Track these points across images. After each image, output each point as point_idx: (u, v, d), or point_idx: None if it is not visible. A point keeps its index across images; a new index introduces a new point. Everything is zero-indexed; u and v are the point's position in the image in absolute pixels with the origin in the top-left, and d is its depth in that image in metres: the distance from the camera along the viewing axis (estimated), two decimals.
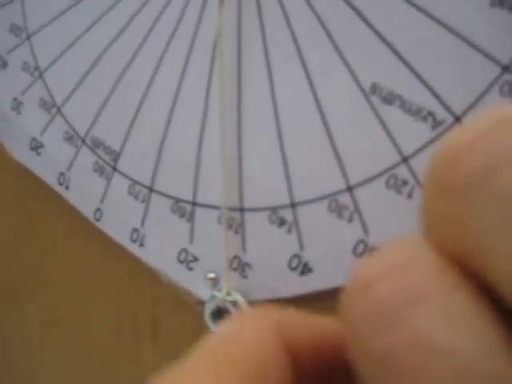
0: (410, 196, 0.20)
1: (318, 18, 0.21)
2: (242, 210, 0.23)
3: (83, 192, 0.26)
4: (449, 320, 0.11)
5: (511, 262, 0.10)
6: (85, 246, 0.27)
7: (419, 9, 0.20)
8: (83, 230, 0.26)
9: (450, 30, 0.19)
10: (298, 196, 0.22)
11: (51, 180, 0.27)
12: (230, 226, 0.23)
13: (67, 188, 0.26)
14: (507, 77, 0.19)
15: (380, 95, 0.20)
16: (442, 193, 0.12)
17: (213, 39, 0.23)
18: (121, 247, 0.25)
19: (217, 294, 0.23)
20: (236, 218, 0.23)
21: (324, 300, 0.22)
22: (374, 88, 0.21)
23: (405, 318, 0.11)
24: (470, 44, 0.19)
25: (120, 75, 0.25)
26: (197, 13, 0.23)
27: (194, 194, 0.24)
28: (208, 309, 0.23)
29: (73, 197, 0.26)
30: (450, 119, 0.20)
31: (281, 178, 0.22)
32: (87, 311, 0.27)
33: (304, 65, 0.21)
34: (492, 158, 0.11)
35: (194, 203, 0.24)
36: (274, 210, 0.22)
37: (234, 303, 0.23)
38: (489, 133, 0.11)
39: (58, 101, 0.26)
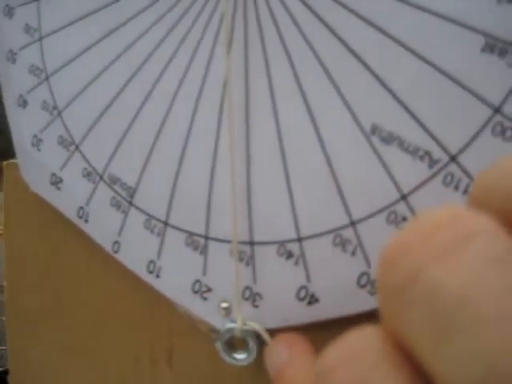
0: None
1: (318, 57, 0.22)
2: (252, 243, 0.24)
3: (101, 225, 0.27)
4: None
5: (433, 349, 0.11)
6: (105, 276, 0.28)
7: (413, 52, 0.21)
8: (103, 261, 0.27)
9: (443, 72, 0.20)
10: (304, 231, 0.23)
11: (71, 213, 0.28)
12: (241, 259, 0.24)
13: (86, 221, 0.28)
14: (498, 118, 0.20)
15: (380, 135, 0.22)
16: (383, 290, 0.14)
17: (222, 80, 0.24)
18: (138, 277, 0.27)
19: (232, 324, 0.24)
20: (246, 251, 0.24)
21: (330, 328, 0.23)
22: (374, 129, 0.22)
23: None
24: (463, 86, 0.20)
25: (135, 114, 0.26)
26: (206, 56, 0.24)
27: (207, 228, 0.25)
28: (222, 339, 0.25)
29: (92, 230, 0.28)
30: (445, 158, 0.21)
31: (288, 213, 0.23)
32: (106, 338, 0.29)
33: (306, 103, 0.23)
34: (419, 261, 0.12)
35: (206, 237, 0.25)
36: (281, 243, 0.23)
37: (249, 332, 0.24)
38: (421, 237, 0.13)
39: (76, 139, 0.28)
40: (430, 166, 0.21)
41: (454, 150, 0.21)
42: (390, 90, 0.21)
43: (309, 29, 0.23)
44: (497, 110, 0.20)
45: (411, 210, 0.21)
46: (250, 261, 0.24)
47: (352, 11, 0.22)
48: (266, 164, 0.24)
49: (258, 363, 0.25)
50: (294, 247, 0.23)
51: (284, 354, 0.23)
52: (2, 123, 0.31)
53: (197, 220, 0.25)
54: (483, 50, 0.20)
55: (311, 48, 0.23)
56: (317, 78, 0.22)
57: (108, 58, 0.27)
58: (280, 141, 0.23)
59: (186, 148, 0.25)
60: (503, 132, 0.20)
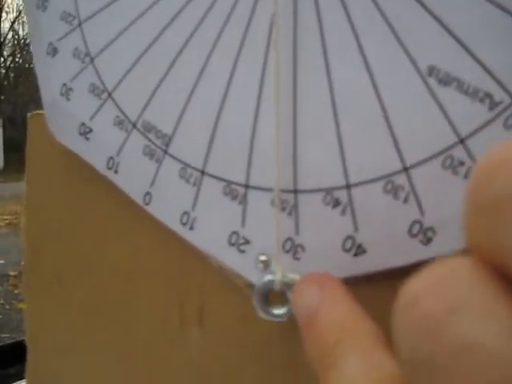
0: (466, 177, 0.20)
1: (375, 2, 0.22)
2: (295, 191, 0.23)
3: (132, 176, 0.26)
4: (486, 323, 0.12)
5: None
6: (133, 230, 0.27)
7: None
8: (132, 215, 0.27)
9: (506, 10, 0.20)
10: (353, 177, 0.22)
11: (100, 164, 0.27)
12: (283, 209, 0.23)
13: (116, 172, 0.27)
14: None
15: (437, 77, 0.21)
16: (476, 209, 0.13)
17: (268, 24, 0.23)
18: (169, 231, 0.26)
19: (270, 276, 0.23)
20: (289, 200, 0.23)
21: (378, 282, 0.22)
22: (431, 70, 0.21)
23: (444, 326, 0.12)
24: None
25: (172, 61, 0.25)
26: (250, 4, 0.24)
27: (247, 177, 0.24)
28: (260, 292, 0.24)
29: (122, 181, 0.27)
30: (507, 100, 0.20)
31: (336, 159, 0.22)
32: (134, 296, 0.28)
33: (361, 48, 0.22)
34: None
35: (246, 186, 0.24)
36: (328, 191, 0.23)
37: (289, 286, 0.23)
38: None
39: (109, 86, 0.27)
40: (491, 109, 0.20)
41: None
42: (448, 30, 0.21)
43: None
44: None
45: (469, 154, 0.20)
46: (292, 210, 0.23)
47: None
48: (314, 108, 0.23)
49: (291, 323, 0.24)
50: (342, 195, 0.22)
51: (315, 297, 0.21)
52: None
53: (237, 168, 0.24)
54: None
55: None
56: (371, 21, 0.22)
57: (145, 2, 0.26)
58: (330, 86, 0.22)
59: (227, 93, 0.24)
60: None
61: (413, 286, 0.13)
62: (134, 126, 0.26)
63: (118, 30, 0.27)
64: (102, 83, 0.27)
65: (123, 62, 0.26)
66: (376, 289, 0.23)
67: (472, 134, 0.20)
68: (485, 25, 0.20)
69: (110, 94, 0.27)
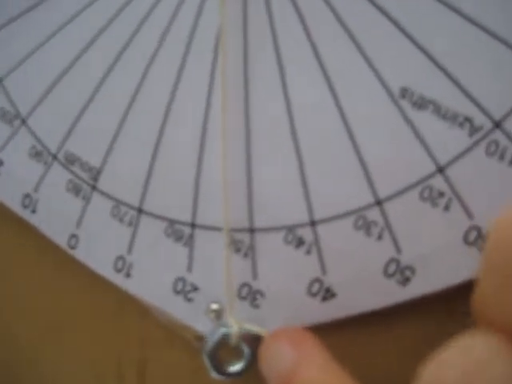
0: (446, 208, 0.18)
1: (336, 14, 0.19)
2: (251, 230, 0.20)
3: (54, 216, 0.23)
4: None
5: None
6: (58, 276, 0.23)
7: (449, 7, 0.18)
8: (55, 260, 0.23)
9: (485, 29, 0.18)
10: (319, 213, 0.20)
11: (14, 203, 0.23)
12: (237, 250, 0.20)
13: (33, 211, 0.23)
14: None
15: (411, 100, 0.19)
16: (500, 280, 0.12)
17: (214, 37, 0.21)
18: (102, 278, 0.22)
19: (224, 329, 0.20)
20: (245, 240, 0.20)
21: (348, 327, 0.20)
22: (404, 92, 0.19)
23: None
24: (508, 45, 0.18)
25: (100, 81, 0.22)
26: (194, 10, 0.21)
27: (194, 215, 0.21)
28: (210, 348, 0.21)
29: (41, 221, 0.23)
30: (489, 125, 0.18)
31: (298, 193, 0.20)
32: (60, 352, 0.24)
33: (322, 65, 0.20)
34: None
35: (193, 225, 0.21)
36: (290, 228, 0.20)
37: (245, 338, 0.20)
38: None
39: (23, 111, 0.23)
40: (471, 134, 0.18)
41: (497, 115, 0.18)
42: (424, 51, 0.19)
43: None
44: None
45: (449, 184, 0.18)
46: (248, 252, 0.20)
47: None
48: (270, 136, 0.20)
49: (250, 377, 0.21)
50: (306, 232, 0.20)
51: (289, 356, 0.18)
52: None
53: (181, 205, 0.21)
54: None
55: (328, 4, 0.20)
56: (335, 38, 0.19)
57: (65, 14, 0.22)
58: (288, 110, 0.20)
59: (167, 119, 0.21)
60: None
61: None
62: (55, 157, 0.23)
63: (32, 45, 0.23)
64: (15, 108, 0.23)
65: (39, 82, 0.22)
66: (345, 334, 0.20)
67: (452, 162, 0.19)
68: (462, 43, 0.18)
69: (23, 121, 0.23)
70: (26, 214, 0.23)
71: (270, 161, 0.20)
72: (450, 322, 0.19)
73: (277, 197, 0.20)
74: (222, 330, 0.20)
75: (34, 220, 0.23)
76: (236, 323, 0.20)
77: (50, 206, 0.23)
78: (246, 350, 0.21)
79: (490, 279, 0.12)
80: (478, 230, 0.18)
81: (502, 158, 0.18)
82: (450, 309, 0.19)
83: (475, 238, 0.18)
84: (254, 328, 0.20)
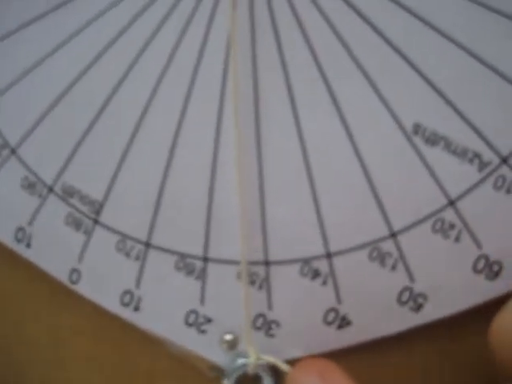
0: (457, 239, 0.20)
1: (349, 50, 0.20)
2: (267, 263, 0.20)
3: (52, 250, 0.22)
4: None
5: None
6: (54, 306, 0.22)
7: (459, 46, 0.19)
8: (51, 287, 0.22)
9: (495, 70, 0.19)
10: (334, 245, 0.20)
11: (6, 236, 0.22)
12: (252, 282, 0.21)
13: (28, 246, 0.22)
14: None
15: (423, 136, 0.20)
16: None
17: (223, 62, 0.20)
18: (105, 313, 0.21)
19: (242, 360, 0.21)
20: (259, 273, 0.21)
21: (363, 353, 0.21)
22: (417, 128, 0.20)
23: None
24: None
25: (102, 105, 0.21)
26: (199, 38, 0.20)
27: (206, 248, 0.21)
28: (231, 379, 0.21)
29: (37, 256, 0.22)
30: (496, 161, 0.19)
31: (313, 226, 0.20)
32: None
33: (335, 101, 0.20)
34: None
35: (205, 258, 0.21)
36: (306, 261, 0.20)
37: (263, 368, 0.21)
38: None
39: (12, 140, 0.22)
40: (480, 169, 0.19)
41: (505, 152, 0.19)
42: (434, 87, 0.19)
43: (336, 16, 0.20)
44: None
45: (460, 216, 0.20)
46: (263, 284, 0.21)
47: None
48: (284, 170, 0.20)
49: None
50: (322, 265, 0.20)
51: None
52: None
53: (191, 238, 0.21)
54: None
55: (340, 39, 0.20)
56: (348, 75, 0.20)
57: (62, 31, 0.21)
58: (301, 143, 0.20)
59: (174, 148, 0.21)
60: None
61: None
62: (51, 189, 0.22)
63: (24, 65, 0.21)
64: (1, 137, 0.22)
65: (30, 109, 0.21)
66: (360, 359, 0.21)
67: (462, 196, 0.20)
68: (471, 81, 0.19)
69: (13, 151, 0.22)
70: (20, 248, 0.22)
71: (284, 194, 0.20)
72: (461, 345, 0.21)
73: (292, 230, 0.20)
74: (241, 360, 0.21)
75: (29, 254, 0.22)
76: (254, 353, 0.21)
77: (48, 240, 0.22)
78: (266, 378, 0.21)
79: None
80: (486, 258, 0.20)
81: (508, 191, 0.19)
82: (452, 335, 0.21)
83: (483, 266, 0.20)
84: (271, 358, 0.21)
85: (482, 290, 0.20)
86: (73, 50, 0.21)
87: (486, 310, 0.19)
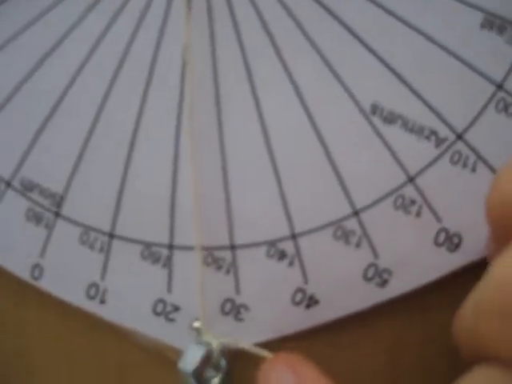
0: (418, 215, 0.20)
1: (307, 35, 0.20)
2: (232, 247, 0.21)
3: (13, 246, 0.21)
4: None
5: None
6: (23, 300, 0.22)
7: (415, 28, 0.20)
8: (18, 291, 0.21)
9: (445, 49, 0.20)
10: (299, 226, 0.20)
11: None
12: (218, 267, 0.21)
13: None
14: (502, 94, 0.20)
15: (381, 115, 0.20)
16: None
17: (180, 57, 0.20)
18: (71, 308, 0.21)
19: (199, 345, 0.21)
20: (226, 258, 0.21)
21: (331, 332, 0.21)
22: (375, 108, 0.20)
23: None
24: (465, 63, 0.20)
25: (57, 100, 0.21)
26: (157, 26, 0.20)
27: (171, 236, 0.21)
28: (191, 363, 0.21)
29: None
30: (452, 137, 0.20)
31: (277, 208, 0.20)
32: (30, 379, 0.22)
33: (295, 85, 0.20)
34: None
35: (170, 246, 0.21)
36: (272, 243, 0.20)
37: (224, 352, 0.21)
38: None
39: None
40: (437, 145, 0.20)
41: (459, 128, 0.20)
42: (390, 67, 0.20)
43: (293, 2, 0.20)
44: (499, 87, 0.20)
45: (420, 192, 0.20)
46: (230, 268, 0.21)
47: None
48: (246, 156, 0.20)
49: None
50: (288, 246, 0.20)
51: (291, 381, 0.19)
52: None
53: (156, 227, 0.21)
54: (482, 26, 0.20)
55: (298, 24, 0.20)
56: (305, 58, 0.20)
57: (14, 25, 0.21)
58: (264, 129, 0.20)
59: (135, 138, 0.21)
60: (506, 108, 0.20)
61: None
62: (9, 184, 0.21)
63: None
64: None
65: None
66: (328, 338, 0.21)
67: (421, 172, 0.20)
68: (425, 61, 0.20)
69: None
70: None
71: (248, 178, 0.20)
72: (424, 319, 0.21)
73: (257, 213, 0.21)
74: (201, 348, 0.21)
75: None
76: (214, 339, 0.21)
77: (8, 236, 0.21)
78: (222, 361, 0.21)
79: (492, 320, 0.13)
80: (447, 231, 0.20)
81: (465, 165, 0.20)
82: (424, 306, 0.21)
83: (444, 239, 0.20)
84: (233, 342, 0.21)
85: (445, 263, 0.20)
86: (24, 44, 0.21)
87: (446, 284, 0.20)
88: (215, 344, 0.21)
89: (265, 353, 0.20)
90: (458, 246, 0.20)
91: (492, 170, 0.20)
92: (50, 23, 0.21)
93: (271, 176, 0.20)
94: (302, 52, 0.20)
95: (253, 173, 0.20)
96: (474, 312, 0.14)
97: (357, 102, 0.20)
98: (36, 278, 0.21)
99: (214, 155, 0.20)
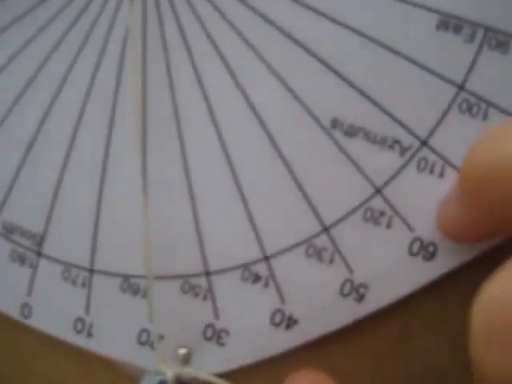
0: (389, 226, 0.20)
1: (261, 58, 0.20)
2: (207, 273, 0.21)
3: (1, 288, 0.22)
4: None
5: None
6: (14, 347, 0.23)
7: (366, 37, 0.20)
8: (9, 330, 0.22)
9: (401, 55, 0.19)
10: (270, 248, 0.20)
11: None
12: (196, 294, 0.21)
13: None
14: (464, 95, 0.19)
15: (342, 129, 0.20)
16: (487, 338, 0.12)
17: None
18: (61, 343, 0.22)
19: (159, 377, 0.21)
20: (202, 284, 0.21)
21: (312, 350, 0.21)
22: (335, 123, 0.20)
23: None
24: (423, 67, 0.19)
25: (29, 144, 0.21)
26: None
27: (147, 268, 0.21)
28: None
29: None
30: (416, 144, 0.20)
31: (247, 231, 0.20)
32: None
33: (252, 108, 0.20)
34: None
35: (145, 277, 0.21)
36: (245, 266, 0.20)
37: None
38: None
39: None
40: (402, 154, 0.20)
41: (423, 134, 0.20)
42: (347, 80, 0.20)
43: (240, 21, 0.20)
44: (461, 87, 0.19)
45: (388, 202, 0.20)
46: (207, 294, 0.21)
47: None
48: (211, 180, 0.20)
49: None
50: (261, 268, 0.20)
51: None
52: None
53: (131, 259, 0.21)
54: (438, 27, 0.20)
55: (251, 48, 0.20)
56: (260, 78, 0.20)
57: None
58: (226, 155, 0.20)
59: (105, 175, 0.21)
60: (470, 109, 0.19)
61: None
62: None
63: None
64: None
65: None
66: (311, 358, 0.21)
67: (388, 182, 0.20)
68: (377, 68, 0.20)
69: None
70: None
71: (215, 203, 0.21)
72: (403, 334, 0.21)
73: (227, 238, 0.21)
74: (157, 378, 0.21)
75: None
76: (169, 369, 0.21)
77: None
78: None
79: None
80: (420, 240, 0.20)
81: (432, 171, 0.20)
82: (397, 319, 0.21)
83: (418, 248, 0.20)
84: (192, 371, 0.21)
85: (422, 272, 0.20)
86: None
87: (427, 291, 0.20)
88: (170, 374, 0.21)
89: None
90: (433, 254, 0.20)
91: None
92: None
93: (237, 199, 0.20)
94: (257, 74, 0.20)
95: (219, 196, 0.21)
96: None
97: (316, 118, 0.20)
98: (26, 317, 0.22)
99: (181, 182, 0.21)
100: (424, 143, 0.20)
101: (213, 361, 0.21)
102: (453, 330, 0.20)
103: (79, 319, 0.22)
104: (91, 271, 0.22)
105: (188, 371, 0.21)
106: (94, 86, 0.21)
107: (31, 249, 0.22)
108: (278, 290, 0.21)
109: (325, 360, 0.21)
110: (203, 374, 0.21)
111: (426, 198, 0.20)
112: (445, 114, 0.19)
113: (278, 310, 0.21)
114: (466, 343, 0.14)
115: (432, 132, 0.20)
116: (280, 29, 0.20)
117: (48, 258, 0.22)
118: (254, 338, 0.21)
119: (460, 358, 0.17)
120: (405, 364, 0.20)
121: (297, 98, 0.20)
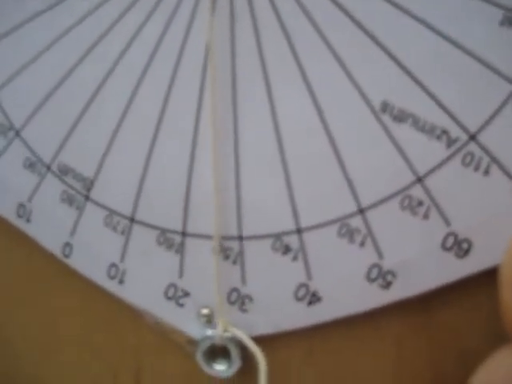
0: (425, 216, 0.19)
1: (321, 34, 0.20)
2: (240, 238, 0.21)
3: (48, 225, 0.23)
4: None
5: None
6: (50, 289, 0.24)
7: (428, 26, 0.19)
8: (47, 269, 0.23)
9: (461, 48, 0.19)
10: (305, 221, 0.21)
11: (9, 212, 0.24)
12: (226, 257, 0.21)
13: (28, 221, 0.24)
14: None
15: (391, 114, 0.20)
16: None
17: (203, 55, 0.21)
18: (94, 286, 0.23)
19: (211, 331, 0.21)
20: (234, 248, 0.21)
21: (335, 329, 0.21)
22: (385, 106, 0.20)
23: None
24: (482, 61, 0.19)
25: (93, 94, 0.22)
26: (183, 28, 0.22)
27: (184, 223, 0.22)
28: (201, 349, 0.22)
29: (35, 231, 0.23)
30: (464, 137, 0.19)
31: (285, 202, 0.21)
32: (54, 367, 0.24)
33: (307, 83, 0.20)
34: None
35: (183, 233, 0.22)
36: (277, 236, 0.21)
37: (232, 340, 0.21)
38: None
39: (17, 123, 0.23)
40: (448, 146, 0.19)
41: (473, 129, 0.19)
42: (402, 66, 0.20)
43: (310, 3, 0.21)
44: None
45: (428, 193, 0.19)
46: (237, 258, 0.21)
47: None
48: (258, 149, 0.21)
49: (241, 375, 0.22)
50: (293, 240, 0.21)
51: None
52: None
53: (171, 214, 0.22)
54: (502, 23, 0.19)
55: (311, 21, 0.21)
56: (318, 55, 0.20)
57: (57, 29, 0.23)
58: (275, 124, 0.21)
59: (158, 132, 0.22)
60: None
61: None
62: (49, 168, 0.23)
63: (25, 59, 0.23)
64: (8, 119, 0.24)
65: (32, 95, 0.23)
66: (330, 336, 0.21)
67: (430, 173, 0.20)
68: (438, 59, 0.19)
69: (17, 133, 0.24)
70: (20, 224, 0.24)
71: (258, 171, 0.21)
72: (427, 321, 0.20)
73: (264, 206, 0.21)
74: (209, 332, 0.21)
75: (28, 229, 0.24)
76: (222, 326, 0.21)
77: (45, 215, 0.23)
78: (232, 350, 0.22)
79: None
80: (455, 236, 0.19)
81: (477, 168, 0.19)
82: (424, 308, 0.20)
83: (452, 243, 0.19)
84: (236, 331, 0.21)
85: (452, 269, 0.19)
86: (66, 45, 0.23)
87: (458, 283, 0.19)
88: (220, 329, 0.21)
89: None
90: (467, 252, 0.19)
91: (507, 173, 0.19)
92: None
93: (280, 170, 0.21)
94: (317, 51, 0.20)
95: (263, 167, 0.21)
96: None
97: (367, 100, 0.20)
98: (66, 256, 0.23)
99: (228, 148, 0.21)
100: (472, 137, 0.19)
101: (233, 325, 0.21)
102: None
103: (113, 265, 0.23)
104: (132, 220, 0.22)
105: (236, 331, 0.21)
106: (161, 44, 0.22)
107: (80, 192, 0.23)
108: (306, 265, 0.21)
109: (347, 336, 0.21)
110: (248, 340, 0.21)
111: (467, 194, 0.19)
112: (498, 111, 0.19)
113: (303, 285, 0.21)
114: (496, 328, 0.14)
115: (482, 127, 0.19)
116: (344, 10, 0.20)
117: (94, 202, 0.23)
118: (275, 309, 0.21)
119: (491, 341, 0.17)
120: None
121: (350, 76, 0.20)
